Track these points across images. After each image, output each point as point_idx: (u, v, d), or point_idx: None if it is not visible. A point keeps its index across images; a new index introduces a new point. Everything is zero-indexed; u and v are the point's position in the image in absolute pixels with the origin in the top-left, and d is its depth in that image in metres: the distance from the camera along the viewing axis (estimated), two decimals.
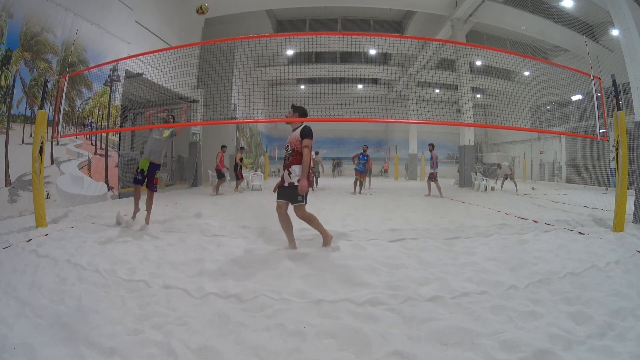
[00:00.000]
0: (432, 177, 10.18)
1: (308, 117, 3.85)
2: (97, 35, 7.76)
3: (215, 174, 10.71)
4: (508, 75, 18.52)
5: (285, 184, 3.53)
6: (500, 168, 13.63)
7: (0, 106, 5.60)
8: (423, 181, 20.61)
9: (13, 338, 1.78)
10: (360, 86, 23.84)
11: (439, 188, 10.09)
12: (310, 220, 3.64)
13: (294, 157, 3.50)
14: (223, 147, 10.87)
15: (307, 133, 3.49)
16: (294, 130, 3.64)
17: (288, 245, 3.66)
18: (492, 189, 12.51)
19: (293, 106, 3.77)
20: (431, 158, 10.25)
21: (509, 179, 13.20)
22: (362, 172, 10.68)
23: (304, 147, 3.44)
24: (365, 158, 10.64)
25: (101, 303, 2.27)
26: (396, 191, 12.00)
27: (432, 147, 10.35)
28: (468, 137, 14.52)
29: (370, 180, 13.59)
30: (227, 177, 11.36)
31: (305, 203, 3.56)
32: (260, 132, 23.95)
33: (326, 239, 3.69)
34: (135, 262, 3.13)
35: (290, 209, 3.59)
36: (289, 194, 3.50)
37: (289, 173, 3.49)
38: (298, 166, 3.46)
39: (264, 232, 4.59)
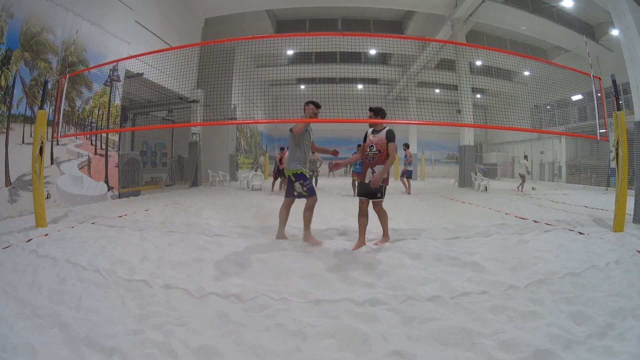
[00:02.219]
0: (407, 175, 11.18)
1: (308, 118, 3.91)
2: (97, 35, 7.75)
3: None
4: (508, 76, 18.51)
5: (366, 181, 3.81)
6: (527, 159, 13.83)
7: (0, 106, 5.60)
8: (423, 181, 20.65)
9: (13, 338, 1.77)
10: (360, 86, 23.84)
11: (409, 185, 11.05)
12: (383, 216, 3.96)
13: (379, 157, 3.79)
14: (282, 148, 11.50)
15: (392, 136, 3.79)
16: (375, 131, 3.90)
17: (357, 241, 3.85)
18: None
19: (372, 109, 3.96)
20: (405, 157, 10.89)
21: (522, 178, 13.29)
22: (360, 173, 10.53)
23: (390, 151, 3.76)
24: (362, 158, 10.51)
25: (101, 303, 2.27)
26: (396, 191, 12.00)
27: (406, 146, 11.21)
28: (468, 137, 14.52)
29: None
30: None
31: (383, 199, 3.86)
32: (260, 132, 23.97)
33: (384, 238, 3.98)
34: (135, 262, 3.13)
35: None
36: (370, 191, 3.77)
37: (373, 172, 3.79)
38: (382, 166, 3.77)
39: (265, 232, 4.58)
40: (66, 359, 1.67)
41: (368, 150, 3.89)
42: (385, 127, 3.88)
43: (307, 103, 4.03)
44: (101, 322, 1.99)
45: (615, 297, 2.35)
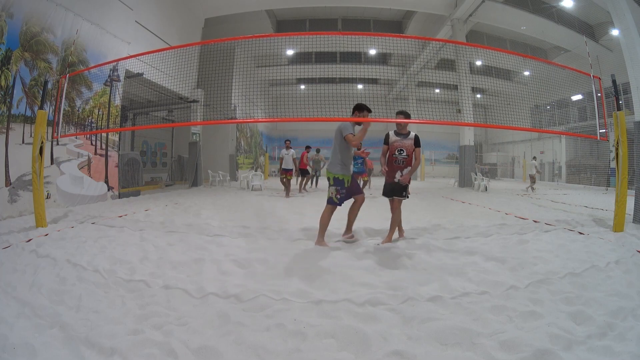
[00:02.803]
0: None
1: (308, 117, 3.93)
2: (97, 35, 7.75)
3: (298, 172, 11.28)
4: (508, 75, 18.51)
5: (396, 180, 4.03)
6: (535, 160, 13.86)
7: (0, 106, 5.60)
8: (423, 181, 20.67)
9: (13, 338, 1.77)
10: (360, 86, 23.85)
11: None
12: (398, 216, 4.12)
13: (408, 161, 4.05)
14: (307, 147, 11.44)
15: (419, 143, 4.08)
16: (402, 135, 4.08)
17: (398, 234, 4.19)
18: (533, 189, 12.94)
19: (402, 112, 4.12)
20: None
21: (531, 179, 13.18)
22: (359, 174, 10.33)
23: (417, 156, 4.05)
24: (362, 157, 9.99)
25: (101, 303, 2.27)
26: None
27: None
28: (468, 137, 14.53)
29: (370, 181, 13.46)
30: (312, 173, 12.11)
31: (407, 197, 4.13)
32: (260, 132, 23.96)
33: (387, 239, 4.04)
34: (135, 262, 3.13)
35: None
36: (398, 190, 4.03)
37: (401, 174, 4.03)
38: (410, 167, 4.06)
39: (265, 232, 4.59)
40: (66, 359, 1.67)
41: (397, 153, 4.03)
42: (411, 132, 4.09)
43: (361, 110, 3.89)
44: (101, 322, 1.99)
45: (615, 297, 2.35)
